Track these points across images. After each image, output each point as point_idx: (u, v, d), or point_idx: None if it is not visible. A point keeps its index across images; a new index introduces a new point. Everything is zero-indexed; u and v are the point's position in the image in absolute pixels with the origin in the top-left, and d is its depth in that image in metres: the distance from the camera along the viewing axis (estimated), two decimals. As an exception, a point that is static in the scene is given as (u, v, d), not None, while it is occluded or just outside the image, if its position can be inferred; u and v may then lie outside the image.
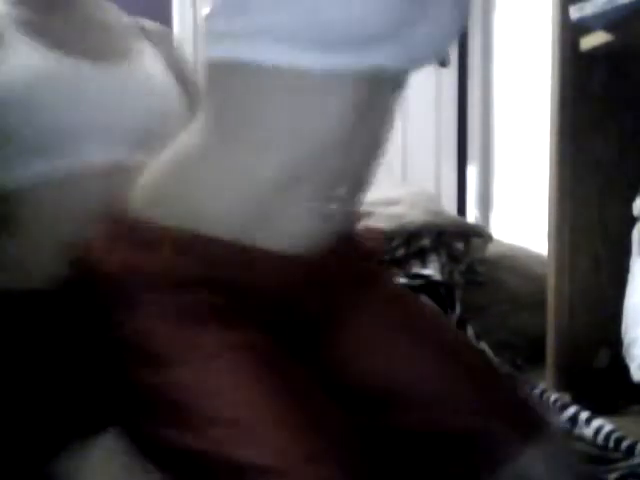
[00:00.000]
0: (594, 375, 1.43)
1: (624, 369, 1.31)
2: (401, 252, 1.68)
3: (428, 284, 1.56)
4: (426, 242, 1.69)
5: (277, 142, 0.73)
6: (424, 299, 1.46)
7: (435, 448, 0.84)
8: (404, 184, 2.34)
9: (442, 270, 1.65)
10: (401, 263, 1.65)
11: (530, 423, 0.85)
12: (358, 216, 0.89)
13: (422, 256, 1.68)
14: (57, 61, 0.96)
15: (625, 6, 1.19)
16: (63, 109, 0.94)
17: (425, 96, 2.44)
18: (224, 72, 0.74)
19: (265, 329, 0.75)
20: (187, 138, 0.79)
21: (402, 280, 1.52)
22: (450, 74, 2.43)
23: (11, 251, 0.95)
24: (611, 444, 1.19)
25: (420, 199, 1.87)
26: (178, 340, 0.72)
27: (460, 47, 2.42)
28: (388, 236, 1.66)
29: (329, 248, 0.79)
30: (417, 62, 0.75)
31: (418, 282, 1.55)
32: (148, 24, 1.15)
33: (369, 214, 1.74)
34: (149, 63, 1.08)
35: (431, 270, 1.63)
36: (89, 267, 0.77)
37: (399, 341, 0.87)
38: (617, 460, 1.14)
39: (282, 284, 0.78)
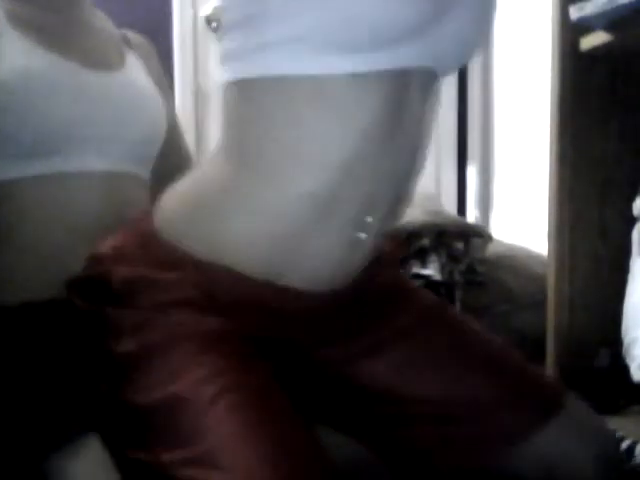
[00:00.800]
0: (594, 375, 1.43)
1: (624, 369, 1.31)
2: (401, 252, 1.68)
3: (428, 284, 1.56)
4: (426, 242, 1.69)
5: (305, 164, 0.69)
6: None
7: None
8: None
9: (442, 270, 1.65)
10: (401, 263, 1.65)
11: (550, 400, 0.86)
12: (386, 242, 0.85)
13: (422, 256, 1.67)
14: (52, 62, 0.94)
15: (625, 6, 1.19)
16: (54, 111, 0.92)
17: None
18: (242, 92, 0.70)
19: (269, 356, 0.74)
20: (212, 163, 0.76)
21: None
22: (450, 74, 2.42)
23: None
24: (611, 444, 1.19)
25: (420, 199, 1.87)
26: (168, 362, 0.70)
27: (460, 47, 2.42)
28: (391, 236, 1.66)
29: (358, 276, 0.77)
30: (446, 61, 0.72)
31: (418, 282, 1.55)
32: (132, 35, 1.15)
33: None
34: (137, 74, 1.08)
35: (431, 270, 1.63)
36: (97, 274, 0.76)
37: (446, 360, 0.88)
38: (617, 460, 1.14)
39: (306, 320, 0.77)
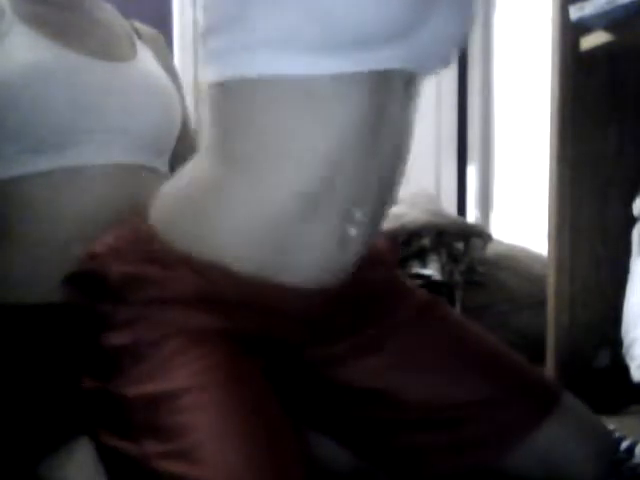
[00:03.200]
0: (594, 375, 1.43)
1: (624, 369, 1.31)
2: (401, 252, 1.68)
3: (428, 284, 1.56)
4: (426, 242, 1.69)
5: (291, 162, 0.69)
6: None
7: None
8: (404, 184, 2.34)
9: (442, 270, 1.65)
10: (401, 263, 1.65)
11: (546, 399, 0.86)
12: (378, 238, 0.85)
13: (422, 256, 1.67)
14: (62, 55, 0.93)
15: (625, 6, 1.19)
16: (64, 104, 0.91)
17: (425, 96, 2.43)
18: (227, 92, 0.71)
19: (261, 356, 0.74)
20: (199, 162, 0.76)
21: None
22: (450, 74, 2.42)
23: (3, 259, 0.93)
24: (611, 444, 1.19)
25: (420, 199, 1.87)
26: (159, 357, 0.70)
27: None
28: (388, 236, 1.66)
29: (348, 274, 0.78)
30: (428, 63, 0.73)
31: (418, 282, 1.55)
32: (140, 26, 1.14)
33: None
34: (150, 64, 1.07)
35: (431, 270, 1.63)
36: (92, 271, 0.76)
37: (446, 359, 0.88)
38: (617, 460, 1.14)
39: (297, 319, 0.77)
